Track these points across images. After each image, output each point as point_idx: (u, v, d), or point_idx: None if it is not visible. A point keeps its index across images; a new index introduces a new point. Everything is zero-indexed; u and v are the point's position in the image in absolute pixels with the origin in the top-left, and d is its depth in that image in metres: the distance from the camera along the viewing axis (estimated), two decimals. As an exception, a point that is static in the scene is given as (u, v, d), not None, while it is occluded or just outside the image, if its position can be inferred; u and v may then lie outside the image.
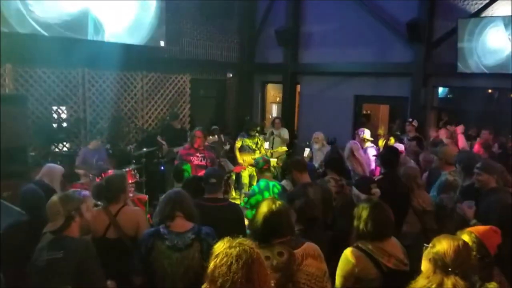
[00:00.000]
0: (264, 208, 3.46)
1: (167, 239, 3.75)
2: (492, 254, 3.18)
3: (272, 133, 11.11)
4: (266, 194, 5.87)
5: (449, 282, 2.89)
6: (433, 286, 2.90)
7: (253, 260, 2.52)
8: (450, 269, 2.91)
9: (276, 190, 6.00)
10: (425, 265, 3.07)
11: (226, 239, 2.62)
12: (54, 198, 3.66)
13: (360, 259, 3.54)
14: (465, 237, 3.20)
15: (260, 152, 10.06)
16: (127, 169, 8.73)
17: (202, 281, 3.78)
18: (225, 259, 2.48)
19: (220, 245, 2.57)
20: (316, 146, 9.63)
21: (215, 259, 2.52)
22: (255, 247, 2.60)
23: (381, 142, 9.89)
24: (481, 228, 3.34)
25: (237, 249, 2.52)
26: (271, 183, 6.09)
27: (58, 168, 6.26)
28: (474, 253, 3.14)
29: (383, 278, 3.50)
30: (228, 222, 4.48)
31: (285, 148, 10.91)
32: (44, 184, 5.94)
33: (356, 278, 3.53)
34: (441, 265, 2.94)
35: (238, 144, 10.17)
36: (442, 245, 2.99)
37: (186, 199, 3.98)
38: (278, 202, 3.51)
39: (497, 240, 3.26)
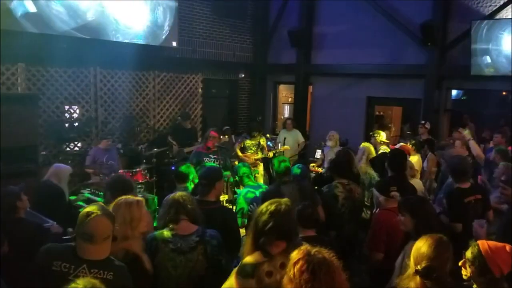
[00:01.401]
0: (271, 208, 3.28)
1: (171, 242, 3.75)
2: (496, 273, 3.05)
3: (284, 139, 11.04)
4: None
5: (411, 283, 3.01)
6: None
7: (334, 268, 2.50)
8: (421, 266, 3.03)
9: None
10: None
11: (305, 246, 2.61)
12: (105, 219, 3.18)
13: None
14: (469, 249, 3.17)
15: (262, 153, 10.02)
16: (137, 169, 8.75)
17: (206, 283, 3.79)
18: (306, 265, 2.46)
19: (299, 252, 2.54)
20: (330, 144, 9.53)
21: (296, 265, 2.49)
22: (332, 254, 2.57)
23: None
24: (492, 243, 3.19)
25: (319, 256, 2.50)
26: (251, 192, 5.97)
27: (65, 168, 6.27)
28: (472, 266, 3.12)
29: None
30: (217, 225, 4.24)
31: (288, 147, 10.80)
32: (52, 184, 5.97)
33: None
34: (415, 264, 3.08)
35: (239, 146, 10.16)
36: (419, 243, 3.17)
37: (190, 202, 3.96)
38: (286, 203, 3.33)
39: (505, 260, 3.09)
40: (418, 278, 3.03)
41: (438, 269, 3.04)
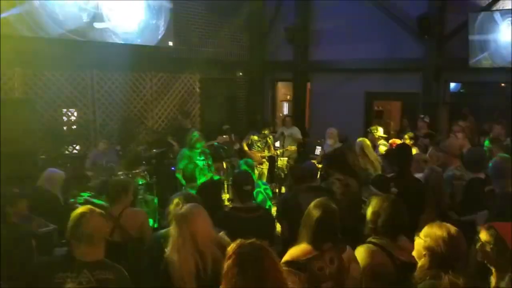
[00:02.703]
0: (318, 209, 3.46)
1: None
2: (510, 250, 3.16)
3: (282, 133, 10.99)
4: None
5: (446, 278, 2.96)
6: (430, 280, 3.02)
7: (265, 258, 2.51)
8: (445, 263, 3.01)
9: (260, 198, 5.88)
10: (419, 257, 3.18)
11: (238, 240, 2.63)
12: (100, 219, 3.27)
13: (375, 255, 3.58)
14: (483, 231, 3.21)
15: (269, 152, 10.01)
16: (137, 170, 8.73)
17: (213, 281, 3.77)
18: (237, 259, 2.50)
19: (232, 246, 2.59)
20: (329, 142, 9.54)
21: (228, 260, 2.53)
22: (266, 245, 2.60)
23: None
24: (501, 223, 3.31)
25: (248, 248, 2.54)
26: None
27: (58, 173, 6.22)
28: (492, 246, 3.15)
29: (396, 271, 3.53)
30: (262, 232, 4.27)
31: (294, 147, 10.84)
32: (46, 191, 5.92)
33: (374, 274, 3.55)
34: (436, 260, 3.05)
35: (246, 142, 10.17)
36: (434, 237, 3.10)
37: (193, 201, 3.93)
38: (332, 204, 3.52)
39: None
40: (446, 273, 3.02)
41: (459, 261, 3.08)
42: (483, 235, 3.21)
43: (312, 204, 3.55)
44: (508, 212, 4.25)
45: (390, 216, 3.66)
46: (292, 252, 3.38)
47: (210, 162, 8.14)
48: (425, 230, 3.18)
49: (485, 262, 3.24)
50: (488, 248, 3.17)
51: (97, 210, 3.33)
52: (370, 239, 3.72)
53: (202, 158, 8.03)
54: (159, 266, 3.69)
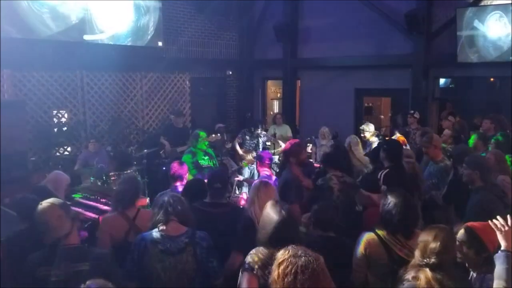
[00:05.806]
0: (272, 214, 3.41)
1: (160, 243, 3.69)
2: (490, 249, 3.16)
3: (274, 136, 10.97)
4: None
5: (421, 274, 3.00)
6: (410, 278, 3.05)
7: (319, 271, 2.47)
8: (431, 260, 3.03)
9: None
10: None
11: (290, 247, 2.58)
12: (51, 203, 3.48)
13: (370, 243, 3.73)
14: (461, 231, 3.26)
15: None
16: (128, 171, 8.70)
17: (195, 285, 3.74)
18: (290, 267, 2.45)
19: (285, 253, 2.53)
20: (322, 142, 9.58)
21: (279, 267, 2.48)
22: (320, 257, 2.54)
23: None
24: (478, 223, 3.33)
25: (303, 258, 2.47)
26: None
27: (64, 176, 6.16)
28: (469, 248, 3.20)
29: (392, 265, 3.61)
30: (229, 228, 4.29)
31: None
32: (46, 189, 5.87)
33: (369, 261, 3.73)
34: (424, 257, 3.08)
35: (238, 141, 10.17)
36: (427, 236, 3.15)
37: (180, 203, 3.90)
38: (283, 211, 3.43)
39: (495, 236, 3.21)
40: (427, 270, 3.03)
41: (447, 262, 3.07)
42: (460, 235, 3.23)
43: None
44: None
45: (400, 214, 3.74)
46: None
47: (212, 165, 8.12)
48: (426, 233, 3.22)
49: (465, 263, 3.28)
50: (465, 249, 3.21)
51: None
52: (376, 228, 3.82)
53: (206, 158, 8.07)
54: (138, 268, 3.69)
